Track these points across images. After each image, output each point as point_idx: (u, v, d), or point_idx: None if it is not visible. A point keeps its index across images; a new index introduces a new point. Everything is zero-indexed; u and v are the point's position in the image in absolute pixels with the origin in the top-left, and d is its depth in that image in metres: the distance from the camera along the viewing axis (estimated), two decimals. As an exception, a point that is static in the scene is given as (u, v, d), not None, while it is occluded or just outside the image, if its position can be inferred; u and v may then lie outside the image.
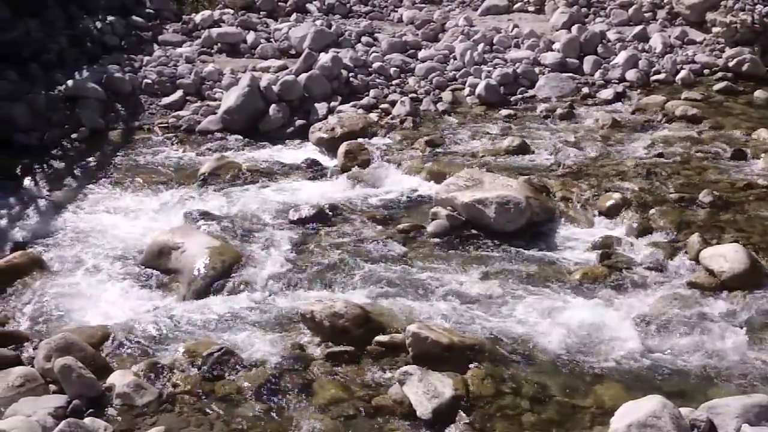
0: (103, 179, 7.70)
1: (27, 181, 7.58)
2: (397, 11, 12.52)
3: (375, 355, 4.94)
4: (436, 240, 6.41)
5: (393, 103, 9.37)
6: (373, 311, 5.26)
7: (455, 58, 10.53)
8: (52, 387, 4.54)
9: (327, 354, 4.93)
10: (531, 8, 12.68)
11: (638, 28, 11.37)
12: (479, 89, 9.62)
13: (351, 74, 9.85)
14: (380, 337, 5.02)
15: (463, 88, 9.85)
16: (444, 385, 4.55)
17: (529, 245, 6.31)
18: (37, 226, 6.69)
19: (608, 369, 4.87)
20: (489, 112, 9.34)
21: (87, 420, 4.18)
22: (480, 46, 10.61)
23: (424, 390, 4.50)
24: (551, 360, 4.94)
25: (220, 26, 11.17)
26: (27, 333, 5.14)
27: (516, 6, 12.75)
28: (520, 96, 9.77)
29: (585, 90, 9.89)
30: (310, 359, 4.92)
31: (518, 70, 10.10)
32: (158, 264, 6.04)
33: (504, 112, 9.30)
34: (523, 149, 8.04)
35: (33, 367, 4.69)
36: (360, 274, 5.90)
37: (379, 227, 6.63)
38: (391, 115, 9.15)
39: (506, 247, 6.28)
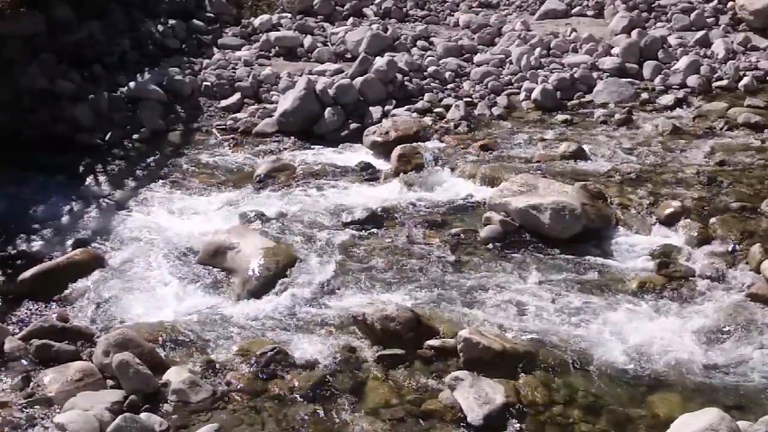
0: (162, 180, 7.84)
1: (89, 181, 7.78)
2: (453, 15, 12.46)
3: (426, 359, 4.94)
4: (489, 245, 6.38)
5: (447, 108, 9.33)
6: (424, 315, 5.26)
7: (511, 63, 10.44)
8: (110, 382, 4.65)
9: (378, 357, 4.96)
10: (590, 12, 12.48)
11: (700, 33, 11.09)
12: (535, 94, 9.53)
13: (406, 78, 9.85)
14: (431, 342, 5.02)
15: (519, 93, 9.75)
16: (495, 392, 4.52)
17: (584, 252, 6.22)
18: (97, 225, 6.85)
19: (665, 380, 4.78)
20: (545, 117, 9.23)
21: (143, 415, 4.27)
22: (537, 51, 10.50)
23: (475, 396, 4.48)
24: (606, 369, 4.86)
25: (278, 30, 11.28)
26: (86, 329, 5.26)
27: (574, 10, 12.57)
28: (577, 101, 9.63)
29: (644, 95, 9.69)
30: (361, 361, 4.95)
31: (576, 75, 9.96)
32: (214, 263, 6.13)
33: (560, 117, 9.18)
34: (579, 155, 7.92)
35: (91, 362, 4.81)
36: (412, 278, 5.90)
37: (432, 231, 6.62)
38: (445, 119, 9.11)
39: (561, 253, 6.21)
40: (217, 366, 4.83)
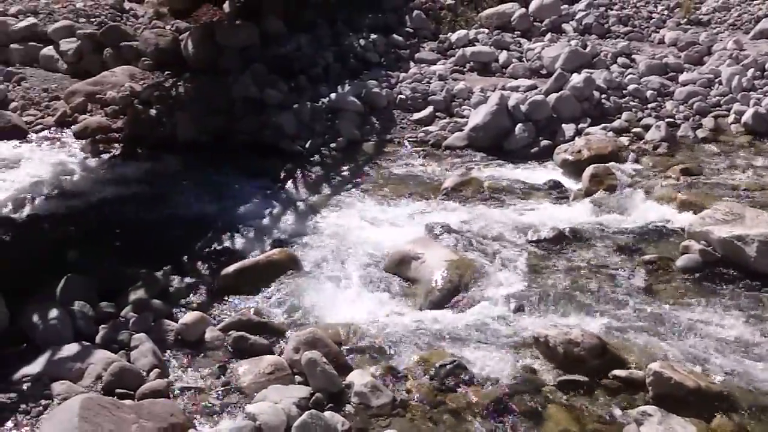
0: (354, 187, 8.13)
1: (289, 185, 8.21)
2: (658, 32, 11.93)
3: (611, 390, 4.76)
4: (686, 275, 6.05)
5: (647, 128, 8.96)
6: (611, 343, 5.06)
7: (720, 83, 9.83)
8: (298, 378, 4.86)
9: (559, 382, 4.84)
10: (814, 31, 11.48)
11: None
12: (746, 117, 8.90)
13: (603, 96, 9.57)
14: (618, 372, 4.83)
15: (728, 115, 9.17)
16: (686, 432, 4.26)
17: (795, 291, 5.71)
18: (294, 227, 7.20)
19: None
20: (756, 143, 8.62)
21: (327, 413, 4.43)
22: (750, 72, 9.80)
23: (664, 434, 4.25)
24: (814, 421, 4.43)
25: (474, 45, 11.35)
26: (279, 325, 5.55)
27: (795, 28, 11.62)
28: (794, 126, 8.89)
29: None
30: (541, 384, 4.84)
31: (794, 99, 9.20)
32: (399, 272, 6.25)
33: (774, 143, 8.53)
34: (794, 185, 7.30)
35: (282, 357, 5.05)
36: (598, 303, 5.71)
37: (622, 256, 6.37)
38: (643, 140, 8.77)
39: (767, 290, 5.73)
40: (398, 373, 4.91)
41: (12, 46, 10.92)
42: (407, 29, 11.85)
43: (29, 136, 9.33)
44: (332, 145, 9.06)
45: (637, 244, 6.56)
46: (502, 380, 4.85)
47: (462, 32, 11.69)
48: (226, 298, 5.94)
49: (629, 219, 7.00)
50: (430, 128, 9.48)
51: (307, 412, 4.33)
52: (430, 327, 5.46)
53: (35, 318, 5.27)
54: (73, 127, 9.44)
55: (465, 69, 10.92)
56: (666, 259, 6.23)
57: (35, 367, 4.83)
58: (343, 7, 11.86)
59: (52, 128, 9.51)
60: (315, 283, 6.10)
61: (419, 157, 8.90)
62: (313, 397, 4.59)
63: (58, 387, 4.64)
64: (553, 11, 12.14)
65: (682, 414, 4.42)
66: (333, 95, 9.80)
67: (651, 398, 4.60)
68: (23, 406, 4.51)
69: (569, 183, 7.94)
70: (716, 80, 9.93)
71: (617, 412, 4.56)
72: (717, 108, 9.36)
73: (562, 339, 4.97)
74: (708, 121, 9.06)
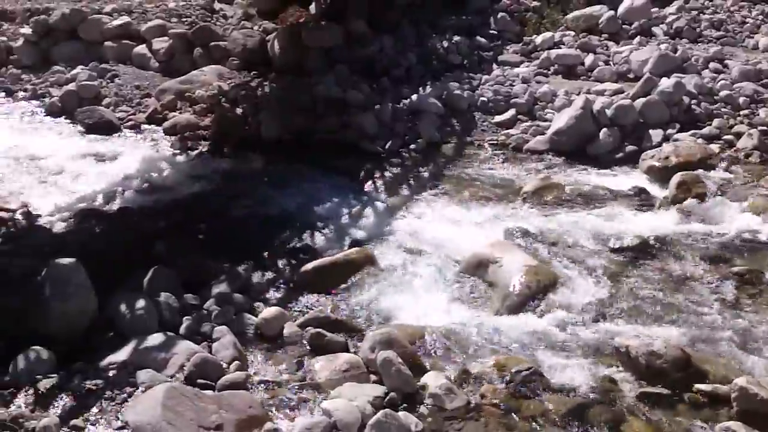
0: (433, 189, 8.12)
1: (368, 185, 8.28)
2: (753, 38, 11.49)
3: (693, 404, 4.62)
4: (777, 289, 5.81)
5: (739, 135, 8.66)
6: (695, 356, 4.91)
7: (818, 90, 9.40)
8: (372, 377, 4.88)
9: (640, 393, 4.72)
10: None
11: None
12: None
13: (693, 101, 9.28)
14: (702, 386, 4.69)
15: (824, 124, 8.75)
16: (773, 452, 4.10)
17: None
18: (372, 227, 7.24)
19: None
20: None
21: (401, 414, 4.43)
22: None
23: (749, 453, 4.10)
24: None
25: (559, 48, 11.18)
26: (355, 323, 5.59)
27: None
28: None
29: None
30: (621, 395, 4.73)
31: None
32: (476, 275, 6.20)
33: None
34: None
35: (358, 355, 5.08)
36: (683, 315, 5.56)
37: (710, 267, 6.19)
38: (735, 148, 8.47)
39: None
40: (473, 377, 4.87)
41: (106, 43, 11.39)
42: (491, 31, 11.76)
43: (121, 131, 9.71)
44: (412, 146, 9.11)
45: (726, 255, 6.36)
46: (579, 389, 4.76)
47: (547, 34, 11.52)
48: (304, 295, 6.02)
49: (718, 229, 6.80)
50: (512, 131, 9.40)
51: (381, 411, 4.34)
52: (507, 332, 5.41)
53: (122, 308, 5.45)
54: (163, 124, 9.77)
55: (549, 72, 10.76)
56: (756, 272, 6.02)
57: (121, 355, 5.01)
58: (427, 9, 11.87)
59: (142, 125, 9.88)
60: (392, 283, 6.11)
61: (499, 160, 8.85)
62: (388, 397, 4.61)
63: (142, 375, 4.79)
64: (643, 14, 11.83)
65: (769, 432, 4.26)
66: (414, 96, 9.84)
67: (735, 414, 4.45)
68: (109, 392, 4.67)
69: (655, 190, 7.75)
70: (813, 88, 9.51)
71: (700, 427, 4.43)
72: (814, 116, 8.97)
73: (645, 350, 4.86)
74: (803, 130, 8.69)
